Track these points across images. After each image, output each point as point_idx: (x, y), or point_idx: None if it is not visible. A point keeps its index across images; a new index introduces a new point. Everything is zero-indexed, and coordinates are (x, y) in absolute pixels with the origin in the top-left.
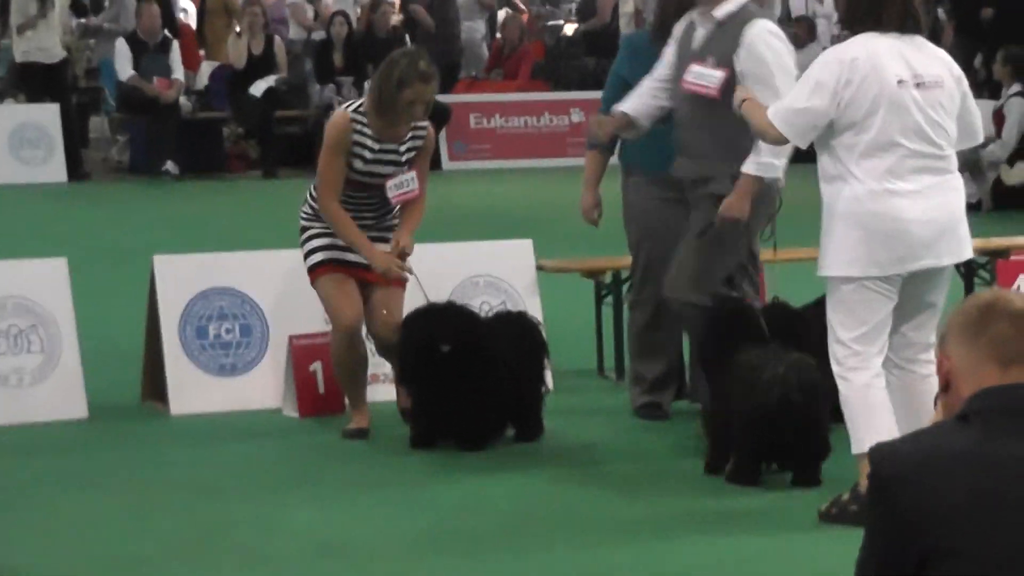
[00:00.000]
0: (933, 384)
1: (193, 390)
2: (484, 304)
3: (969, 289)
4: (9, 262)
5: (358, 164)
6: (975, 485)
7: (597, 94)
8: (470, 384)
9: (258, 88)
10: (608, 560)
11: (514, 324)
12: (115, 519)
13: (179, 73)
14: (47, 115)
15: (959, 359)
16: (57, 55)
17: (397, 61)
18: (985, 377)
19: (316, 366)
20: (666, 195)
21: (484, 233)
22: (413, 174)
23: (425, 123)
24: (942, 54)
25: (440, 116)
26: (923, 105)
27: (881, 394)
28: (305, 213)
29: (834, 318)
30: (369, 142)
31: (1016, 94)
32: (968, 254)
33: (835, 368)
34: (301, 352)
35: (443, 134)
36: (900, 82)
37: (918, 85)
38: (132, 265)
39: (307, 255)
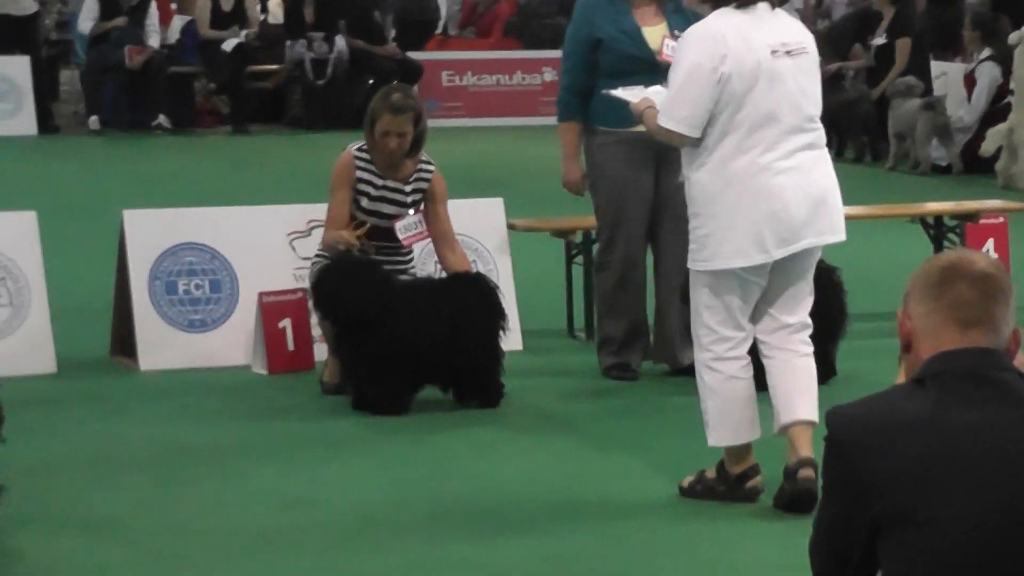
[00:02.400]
0: (809, 363)
1: (162, 346)
2: None
3: (938, 252)
4: None
5: (364, 201)
6: (929, 450)
7: None
8: (358, 346)
9: (229, 43)
10: (576, 516)
11: (459, 287)
12: (82, 473)
13: (154, 39)
14: (17, 68)
15: (919, 319)
16: (28, 7)
17: (375, 96)
18: (944, 340)
19: (285, 323)
20: (632, 155)
21: (455, 191)
22: (420, 216)
23: (432, 165)
24: (795, 20)
25: (411, 73)
26: (796, 73)
27: (747, 385)
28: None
29: (701, 302)
30: (373, 179)
31: (987, 58)
32: (844, 233)
33: (701, 355)
34: (270, 309)
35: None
36: (773, 52)
37: (788, 53)
38: (102, 219)
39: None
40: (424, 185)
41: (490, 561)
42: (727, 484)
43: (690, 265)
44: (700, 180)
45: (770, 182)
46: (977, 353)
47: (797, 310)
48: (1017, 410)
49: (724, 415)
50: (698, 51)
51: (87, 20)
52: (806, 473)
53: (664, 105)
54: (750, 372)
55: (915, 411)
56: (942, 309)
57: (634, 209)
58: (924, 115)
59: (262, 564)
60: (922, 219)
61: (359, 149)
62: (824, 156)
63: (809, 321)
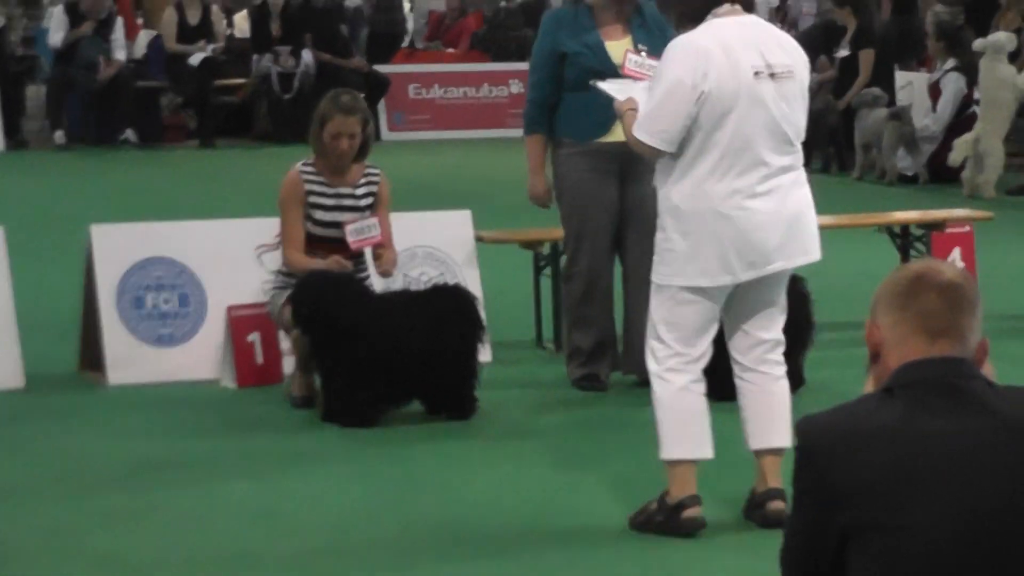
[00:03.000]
0: (783, 387)
1: (130, 360)
2: (423, 275)
3: (905, 261)
4: None
5: (319, 214)
6: (897, 459)
7: None
8: (333, 357)
9: (196, 57)
10: (545, 531)
11: (439, 299)
12: (50, 489)
13: (120, 53)
14: None
15: (887, 329)
16: None
17: (322, 100)
18: (912, 350)
19: (254, 336)
20: (596, 166)
21: (423, 204)
22: (375, 220)
23: (378, 170)
24: (789, 39)
25: (378, 87)
26: (778, 98)
27: (698, 400)
28: (274, 284)
29: (658, 317)
30: (324, 189)
31: (952, 69)
32: (818, 253)
33: (653, 367)
34: (239, 322)
35: (382, 104)
36: (756, 73)
37: (772, 76)
38: (69, 234)
39: (274, 301)
40: (374, 188)
41: (460, 574)
42: (665, 513)
43: (653, 278)
44: (671, 197)
45: (743, 205)
46: (945, 362)
47: (771, 326)
48: (985, 418)
49: (673, 427)
50: (682, 67)
51: (57, 33)
52: (776, 505)
53: (642, 117)
54: (702, 388)
55: (884, 420)
56: (909, 319)
57: (598, 220)
58: (890, 125)
59: None
60: (889, 228)
61: (304, 164)
62: (800, 178)
63: (782, 337)
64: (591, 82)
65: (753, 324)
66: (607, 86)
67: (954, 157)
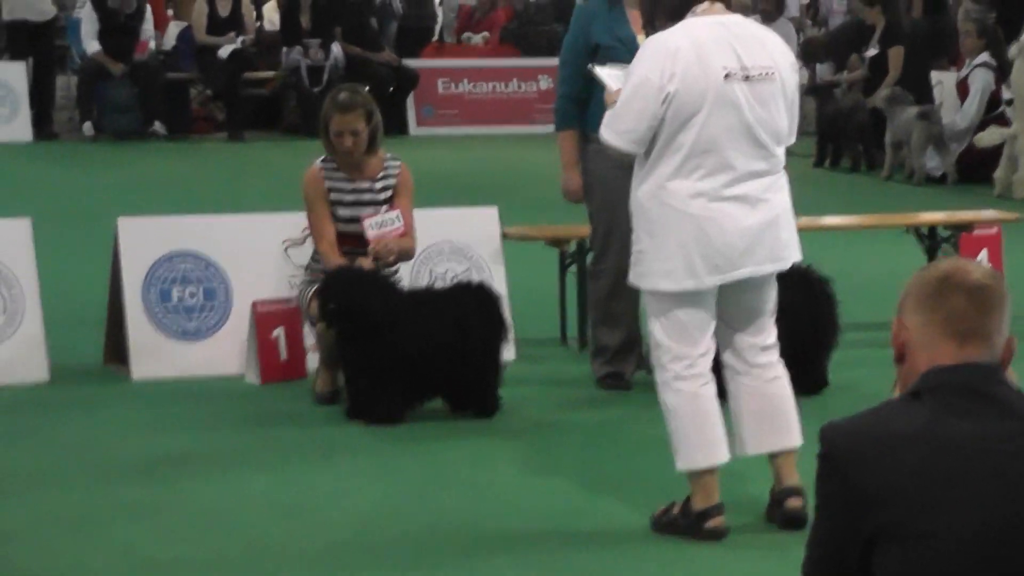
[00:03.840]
0: (781, 386)
1: (155, 354)
2: (448, 271)
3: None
4: None
5: (341, 210)
6: (923, 465)
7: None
8: (360, 353)
9: (225, 50)
10: (570, 529)
11: (463, 296)
12: (74, 480)
13: (150, 41)
14: (13, 73)
15: (914, 331)
16: (48, 12)
17: (326, 99)
18: (940, 353)
19: (279, 332)
20: (626, 162)
21: (450, 199)
22: (397, 213)
23: (399, 161)
24: (775, 39)
25: (407, 81)
26: (752, 101)
27: (710, 404)
28: (303, 278)
29: (653, 323)
30: (343, 184)
31: (980, 64)
32: (793, 258)
33: (660, 375)
34: (264, 318)
35: (411, 99)
36: (728, 75)
37: (747, 78)
38: (96, 227)
39: (303, 295)
40: (392, 181)
41: (484, 572)
42: (688, 521)
43: (629, 279)
44: (638, 196)
45: (706, 207)
46: (974, 368)
47: (759, 332)
48: (1013, 423)
49: (688, 436)
50: (649, 66)
51: (90, 39)
52: (794, 503)
53: (609, 116)
54: (713, 390)
55: (911, 424)
56: (937, 322)
57: (627, 218)
58: (919, 124)
59: (255, 571)
60: (916, 229)
61: (323, 160)
62: (777, 183)
63: (775, 341)
64: (589, 66)
65: (741, 329)
66: (603, 72)
67: (982, 137)
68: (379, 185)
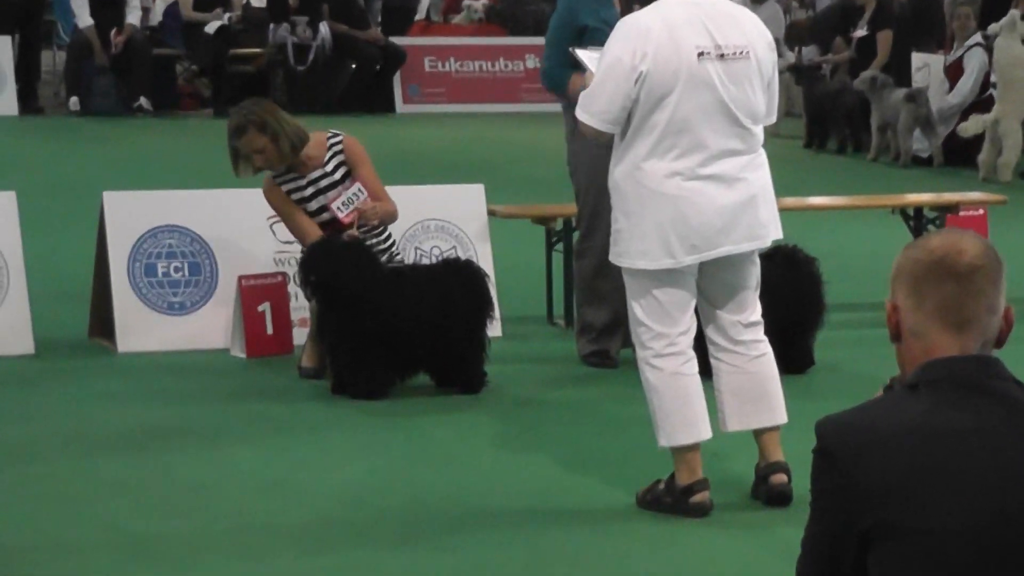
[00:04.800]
0: (765, 363)
1: (141, 328)
2: (435, 248)
3: None
4: None
5: (310, 205)
6: (918, 458)
7: None
8: (341, 327)
9: (212, 26)
10: (553, 505)
11: (449, 273)
12: (58, 455)
13: (134, 16)
14: None
15: (906, 313)
16: None
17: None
18: (935, 343)
19: (265, 306)
20: (605, 143)
21: (436, 177)
22: (357, 186)
23: (340, 135)
24: (751, 18)
25: (394, 59)
26: (726, 80)
27: (692, 382)
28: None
29: (632, 301)
30: (297, 183)
31: (976, 45)
32: (773, 236)
33: (641, 353)
34: (250, 292)
35: (397, 77)
36: (701, 54)
37: (721, 57)
38: (82, 201)
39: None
40: (341, 158)
41: (468, 549)
42: (673, 497)
43: (610, 257)
44: (614, 176)
45: (681, 187)
46: (972, 361)
47: (742, 309)
48: (1014, 418)
49: (670, 414)
50: (621, 46)
51: (84, 11)
52: (778, 479)
53: (583, 96)
54: (694, 368)
55: (908, 418)
56: (929, 310)
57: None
58: (906, 107)
59: (239, 546)
60: (903, 210)
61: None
62: (754, 161)
63: (759, 318)
64: (570, 48)
65: (724, 307)
66: (585, 55)
67: (965, 127)
68: (330, 167)
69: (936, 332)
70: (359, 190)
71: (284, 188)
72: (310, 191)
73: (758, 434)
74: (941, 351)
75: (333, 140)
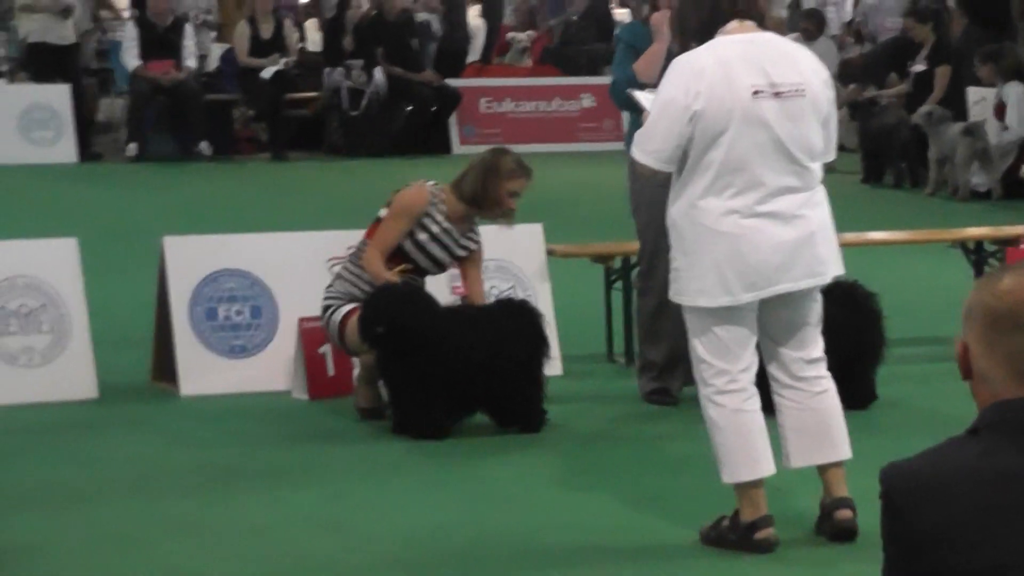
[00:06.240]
0: (828, 399)
1: (203, 371)
2: (493, 288)
3: (979, 277)
4: (20, 242)
5: (422, 236)
6: (970, 502)
7: (608, 79)
8: (404, 369)
9: (268, 71)
10: (615, 546)
11: (504, 313)
12: (121, 497)
13: (191, 60)
14: (57, 96)
15: (976, 358)
16: (68, 37)
17: (500, 155)
18: (1002, 390)
19: (325, 348)
20: (662, 182)
21: None
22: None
23: (479, 235)
24: (806, 56)
25: (449, 100)
26: (782, 117)
27: (754, 418)
28: (331, 294)
29: (693, 339)
30: (439, 218)
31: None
32: (833, 272)
33: (703, 390)
34: (310, 334)
35: (453, 118)
36: (756, 93)
37: (776, 95)
38: (142, 246)
39: (331, 320)
40: (473, 247)
41: None
42: (738, 533)
43: (670, 295)
44: (672, 215)
45: (739, 224)
46: None
47: (805, 346)
48: None
49: (733, 451)
50: (675, 85)
51: (131, 57)
52: (843, 514)
53: (638, 135)
54: (756, 404)
55: (964, 461)
56: (999, 358)
57: None
58: (964, 140)
59: None
60: (962, 244)
61: (433, 186)
62: (813, 199)
63: (821, 354)
64: (628, 90)
65: (786, 344)
66: (642, 96)
67: None
68: (462, 241)
69: (1004, 379)
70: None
71: (429, 209)
72: (438, 234)
73: (822, 470)
74: (1007, 396)
75: (476, 230)
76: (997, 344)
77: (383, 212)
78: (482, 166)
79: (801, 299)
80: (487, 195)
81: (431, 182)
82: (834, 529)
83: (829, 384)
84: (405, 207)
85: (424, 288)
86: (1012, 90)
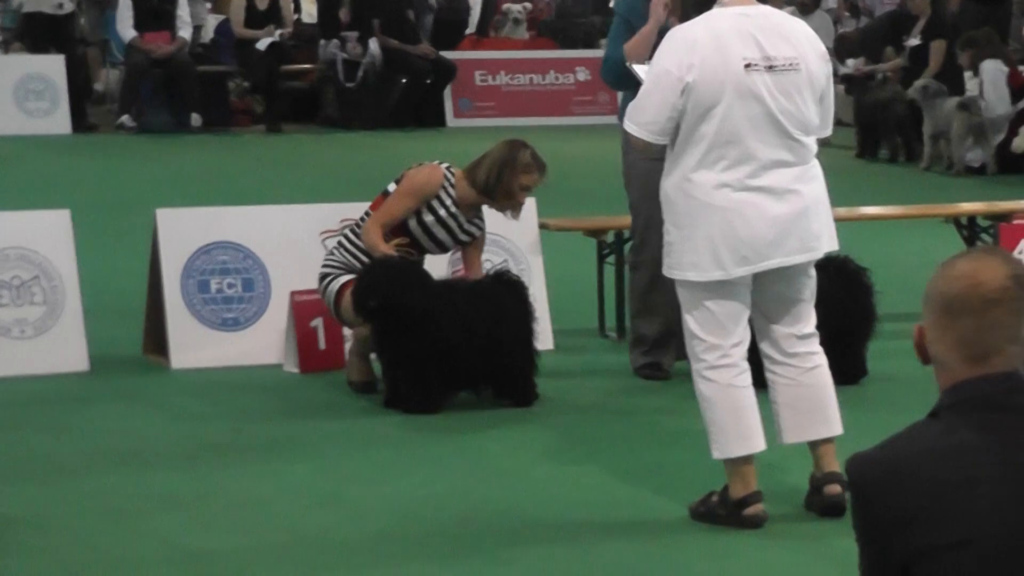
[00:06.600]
0: (820, 375)
1: (194, 344)
2: (487, 261)
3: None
4: (13, 213)
5: (428, 218)
6: (936, 478)
7: (602, 53)
8: (398, 344)
9: (263, 42)
10: (607, 518)
11: (496, 288)
12: (113, 470)
13: (185, 31)
14: (53, 66)
15: (931, 342)
16: (64, 7)
17: (516, 150)
18: (956, 373)
19: (317, 322)
20: (662, 154)
21: None
22: (458, 255)
23: (484, 223)
24: (803, 30)
25: (445, 73)
26: (775, 91)
27: (745, 394)
28: (330, 262)
29: (685, 314)
30: (448, 202)
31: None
32: (826, 248)
33: (695, 365)
34: (302, 308)
35: (448, 91)
36: (748, 65)
37: (770, 68)
38: (135, 218)
39: (328, 289)
40: (477, 232)
41: (521, 562)
42: (727, 509)
43: (663, 269)
44: (665, 188)
45: (731, 198)
46: (992, 380)
47: (796, 322)
48: None
49: (723, 426)
50: (668, 57)
51: (127, 27)
52: (833, 489)
53: (631, 107)
54: (748, 380)
55: (925, 443)
56: (950, 342)
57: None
58: (960, 115)
59: (293, 561)
60: (955, 219)
61: (448, 169)
62: (806, 173)
63: (813, 330)
64: (627, 63)
65: (778, 319)
66: (640, 69)
67: (1018, 143)
68: (467, 226)
69: (957, 363)
70: (458, 260)
71: (440, 192)
72: (444, 217)
73: (813, 445)
74: (962, 378)
75: (481, 217)
76: (948, 328)
77: (392, 186)
78: (499, 157)
79: (794, 274)
80: (500, 187)
81: (445, 164)
82: (823, 504)
83: (821, 360)
84: (417, 187)
85: (419, 263)
86: (987, 66)
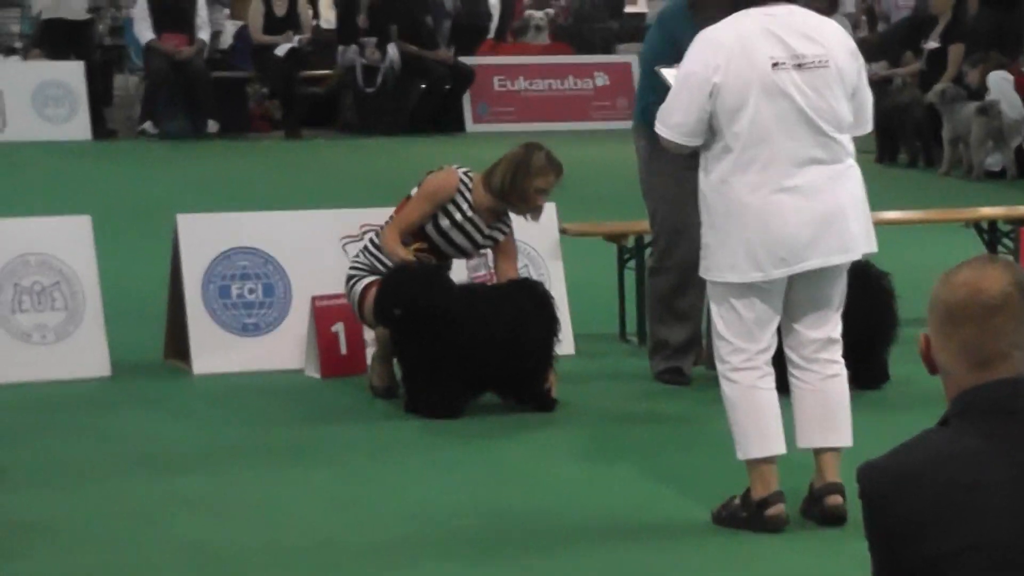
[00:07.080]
0: (837, 383)
1: (215, 349)
2: None
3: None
4: (33, 219)
5: (444, 222)
6: (943, 485)
7: (621, 58)
8: (419, 349)
9: (281, 48)
10: (629, 523)
11: (516, 293)
12: (135, 475)
13: (204, 32)
14: (72, 72)
15: (936, 351)
16: (82, 13)
17: (531, 152)
18: (962, 380)
19: (338, 327)
20: (688, 161)
21: None
22: (486, 260)
23: (510, 226)
24: (831, 26)
25: (463, 78)
26: (805, 89)
27: (768, 396)
28: (356, 264)
29: (715, 314)
30: (465, 206)
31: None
32: (864, 249)
33: (720, 366)
34: (323, 313)
35: (467, 96)
36: (775, 64)
37: (799, 66)
38: (156, 224)
39: (353, 290)
40: (500, 237)
41: (543, 567)
42: (749, 510)
43: (699, 271)
44: (702, 190)
45: (767, 199)
46: (997, 386)
47: (822, 326)
48: None
49: (745, 427)
50: (695, 59)
51: (145, 30)
52: (834, 500)
53: (660, 110)
54: (771, 383)
55: (933, 451)
56: (953, 350)
57: (695, 214)
58: (979, 120)
59: (314, 564)
60: (976, 224)
61: (465, 174)
62: (842, 172)
63: (837, 336)
64: (655, 67)
65: (803, 322)
66: (668, 73)
67: None
68: (487, 231)
69: (962, 371)
70: (486, 263)
71: (456, 196)
72: (461, 221)
73: (819, 453)
74: (968, 385)
75: (506, 220)
76: (951, 337)
77: (415, 191)
78: (513, 160)
79: (828, 277)
80: (514, 189)
81: (463, 169)
82: (824, 514)
83: (841, 370)
84: (431, 191)
85: (443, 269)
86: (992, 78)
